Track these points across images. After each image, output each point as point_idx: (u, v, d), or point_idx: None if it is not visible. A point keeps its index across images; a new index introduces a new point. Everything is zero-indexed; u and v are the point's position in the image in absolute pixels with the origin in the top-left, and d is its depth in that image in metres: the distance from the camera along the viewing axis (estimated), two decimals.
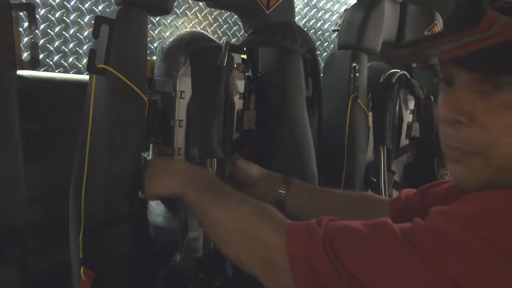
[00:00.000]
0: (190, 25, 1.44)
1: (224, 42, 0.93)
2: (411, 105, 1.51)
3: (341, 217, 0.65)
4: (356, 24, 1.34)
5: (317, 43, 1.81)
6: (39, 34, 1.13)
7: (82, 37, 1.21)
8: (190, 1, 1.41)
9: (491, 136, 0.56)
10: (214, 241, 0.80)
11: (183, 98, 0.93)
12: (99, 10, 1.23)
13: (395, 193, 1.55)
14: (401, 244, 0.55)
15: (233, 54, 0.96)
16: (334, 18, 1.86)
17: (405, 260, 0.54)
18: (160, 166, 0.88)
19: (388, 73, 1.44)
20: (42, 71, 1.14)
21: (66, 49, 1.19)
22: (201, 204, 0.78)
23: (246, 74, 1.06)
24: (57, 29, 1.17)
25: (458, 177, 0.62)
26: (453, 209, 0.56)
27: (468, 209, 0.55)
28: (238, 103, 1.03)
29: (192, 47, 0.94)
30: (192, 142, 0.94)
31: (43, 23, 1.15)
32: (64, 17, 1.18)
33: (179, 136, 0.94)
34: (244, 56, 1.07)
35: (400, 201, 0.88)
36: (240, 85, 1.02)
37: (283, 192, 0.97)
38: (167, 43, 0.99)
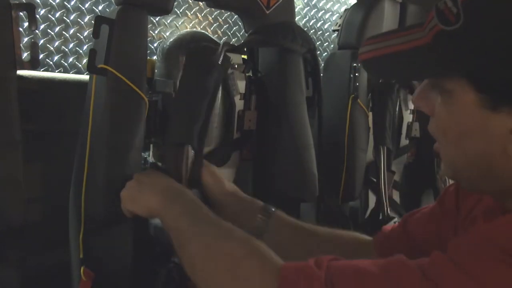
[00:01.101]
0: (190, 25, 1.43)
1: (222, 43, 0.93)
2: (411, 105, 1.52)
3: None
4: (356, 24, 1.34)
5: (317, 43, 1.81)
6: (39, 34, 1.13)
7: (82, 37, 1.21)
8: (190, 1, 1.41)
9: (439, 132, 0.58)
10: (191, 276, 0.66)
11: None
12: (99, 10, 1.23)
13: (395, 193, 1.55)
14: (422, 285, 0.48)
15: (234, 55, 0.96)
16: (334, 18, 1.86)
17: None
18: (141, 181, 0.81)
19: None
20: (42, 71, 1.14)
21: (66, 49, 1.19)
22: (178, 233, 0.69)
23: (247, 74, 1.05)
24: (57, 29, 1.17)
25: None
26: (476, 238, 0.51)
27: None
28: (239, 104, 1.03)
29: (191, 46, 0.94)
30: (170, 127, 0.90)
31: (43, 23, 1.14)
32: (64, 17, 1.18)
33: None
34: (245, 57, 1.07)
35: (383, 237, 0.83)
36: (241, 85, 1.02)
37: (261, 223, 0.85)
38: (168, 43, 0.99)
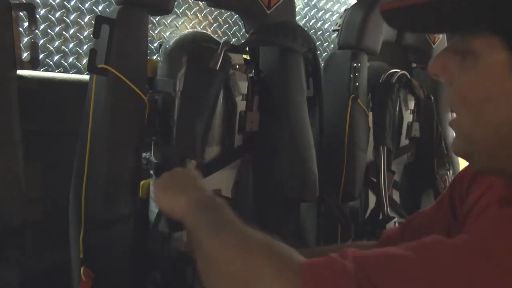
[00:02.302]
0: (190, 25, 1.43)
1: (222, 43, 0.93)
2: (411, 105, 1.51)
3: None
4: (356, 24, 1.34)
5: (317, 43, 1.81)
6: (39, 34, 1.13)
7: (82, 37, 1.21)
8: (190, 1, 1.41)
9: (458, 100, 0.53)
10: (207, 279, 0.62)
11: None
12: (99, 10, 1.23)
13: (395, 193, 1.55)
14: (467, 254, 0.45)
15: (235, 55, 0.96)
16: (334, 18, 1.86)
17: (478, 272, 0.44)
18: (171, 179, 0.79)
19: (388, 73, 1.44)
20: (42, 71, 1.14)
21: (66, 49, 1.19)
22: (197, 232, 0.65)
23: (249, 75, 1.05)
24: (57, 29, 1.17)
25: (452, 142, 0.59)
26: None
27: None
28: (241, 104, 1.03)
29: (191, 46, 0.94)
30: (175, 140, 0.90)
31: (43, 23, 1.14)
32: (64, 17, 1.18)
33: None
34: (247, 57, 1.06)
35: (386, 239, 0.81)
36: (243, 86, 1.01)
37: None
38: (170, 44, 0.99)
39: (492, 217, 0.50)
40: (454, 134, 0.57)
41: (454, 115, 0.56)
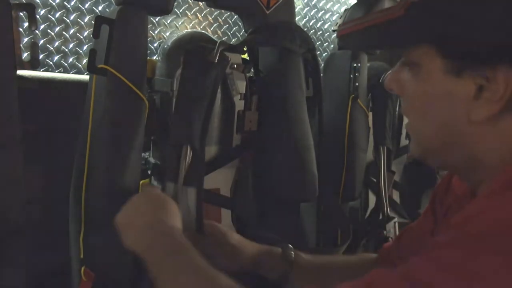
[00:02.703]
0: (190, 25, 1.43)
1: (218, 42, 0.93)
2: None
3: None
4: None
5: (317, 43, 1.81)
6: (39, 34, 1.13)
7: (82, 37, 1.21)
8: (190, 1, 1.41)
9: (408, 106, 0.62)
10: None
11: None
12: (99, 10, 1.23)
13: (395, 193, 1.55)
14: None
15: (233, 54, 0.96)
16: (334, 18, 1.86)
17: None
18: (131, 210, 0.74)
19: (388, 73, 1.44)
20: (42, 71, 1.14)
21: (66, 49, 1.19)
22: (158, 275, 0.64)
23: (248, 74, 1.05)
24: (57, 29, 1.17)
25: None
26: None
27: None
28: (239, 104, 1.03)
29: (189, 46, 0.94)
30: (171, 127, 0.88)
31: (43, 23, 1.14)
32: (64, 17, 1.18)
33: None
34: (245, 56, 1.07)
35: (385, 253, 0.85)
36: (241, 85, 1.02)
37: (283, 272, 0.85)
38: (169, 44, 0.99)
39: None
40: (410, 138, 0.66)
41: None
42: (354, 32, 0.63)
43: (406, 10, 0.55)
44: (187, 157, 0.87)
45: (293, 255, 0.86)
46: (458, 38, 0.53)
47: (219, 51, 0.90)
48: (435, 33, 0.55)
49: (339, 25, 0.67)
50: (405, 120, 0.67)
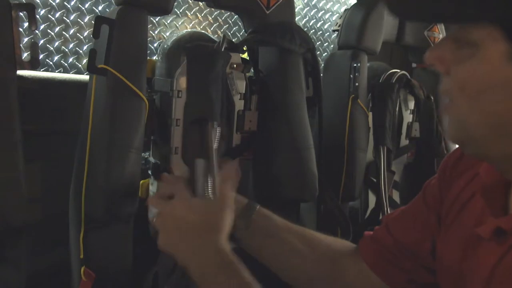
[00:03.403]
0: (190, 25, 1.44)
1: (222, 35, 0.93)
2: (411, 105, 1.51)
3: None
4: (356, 24, 1.34)
5: (317, 43, 1.81)
6: (39, 34, 1.13)
7: (82, 37, 1.21)
8: (190, 1, 1.41)
9: (456, 89, 0.54)
10: None
11: (180, 97, 0.93)
12: (99, 10, 1.23)
13: (395, 193, 1.55)
14: None
15: (233, 54, 0.96)
16: (334, 18, 1.86)
17: None
18: (170, 217, 0.73)
19: (388, 73, 1.44)
20: (42, 71, 1.14)
21: (66, 49, 1.19)
22: None
23: (248, 74, 1.05)
24: (57, 29, 1.17)
25: (445, 128, 0.60)
26: None
27: None
28: (239, 104, 1.03)
29: (189, 44, 0.94)
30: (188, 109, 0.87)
31: (43, 23, 1.15)
32: (64, 17, 1.18)
33: (176, 135, 0.93)
34: (245, 56, 1.07)
35: (369, 240, 0.83)
36: (241, 85, 1.02)
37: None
38: (168, 44, 0.99)
39: None
40: (447, 120, 0.58)
41: (447, 101, 0.57)
42: None
43: None
44: (215, 135, 0.86)
45: (253, 212, 0.84)
46: None
47: (224, 41, 0.91)
48: (504, 12, 0.48)
49: None
50: (444, 100, 0.58)
